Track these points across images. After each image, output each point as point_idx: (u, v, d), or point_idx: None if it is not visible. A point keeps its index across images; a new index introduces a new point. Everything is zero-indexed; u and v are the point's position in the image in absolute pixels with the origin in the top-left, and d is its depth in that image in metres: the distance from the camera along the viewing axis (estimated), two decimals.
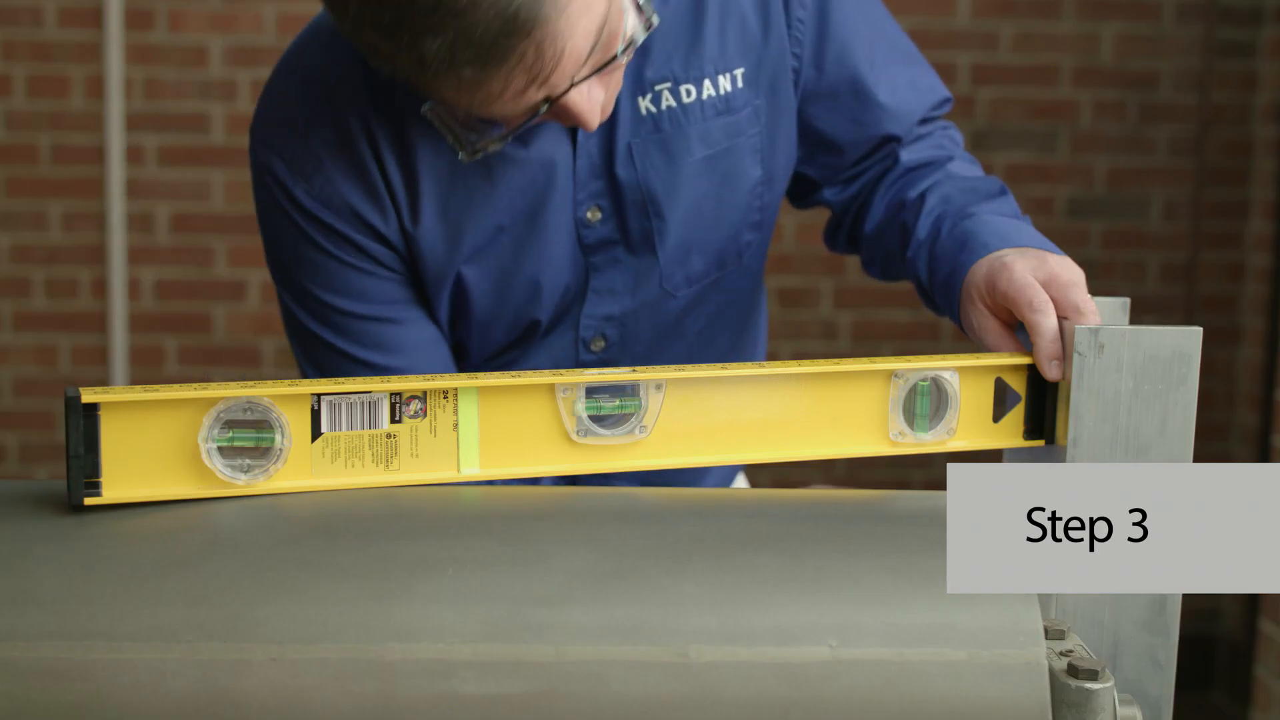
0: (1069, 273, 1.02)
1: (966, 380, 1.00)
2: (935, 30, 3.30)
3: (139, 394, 0.86)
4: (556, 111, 1.06)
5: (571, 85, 1.03)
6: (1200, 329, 0.90)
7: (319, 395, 0.90)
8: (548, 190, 1.20)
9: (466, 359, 1.28)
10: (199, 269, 3.33)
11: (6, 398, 3.34)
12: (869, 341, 3.36)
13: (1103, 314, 1.03)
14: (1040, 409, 1.00)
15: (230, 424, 0.88)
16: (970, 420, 1.00)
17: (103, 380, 3.33)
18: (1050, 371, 0.97)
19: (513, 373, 0.95)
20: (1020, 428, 1.00)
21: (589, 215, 1.21)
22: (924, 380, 0.99)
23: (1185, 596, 0.91)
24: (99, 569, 0.78)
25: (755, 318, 1.41)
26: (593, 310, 1.25)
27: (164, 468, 0.87)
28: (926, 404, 1.00)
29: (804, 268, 3.34)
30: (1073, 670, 0.76)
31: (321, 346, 1.23)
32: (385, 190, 1.18)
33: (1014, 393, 1.01)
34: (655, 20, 1.07)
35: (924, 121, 1.30)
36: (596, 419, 0.95)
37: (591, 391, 0.95)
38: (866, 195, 1.30)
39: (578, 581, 0.77)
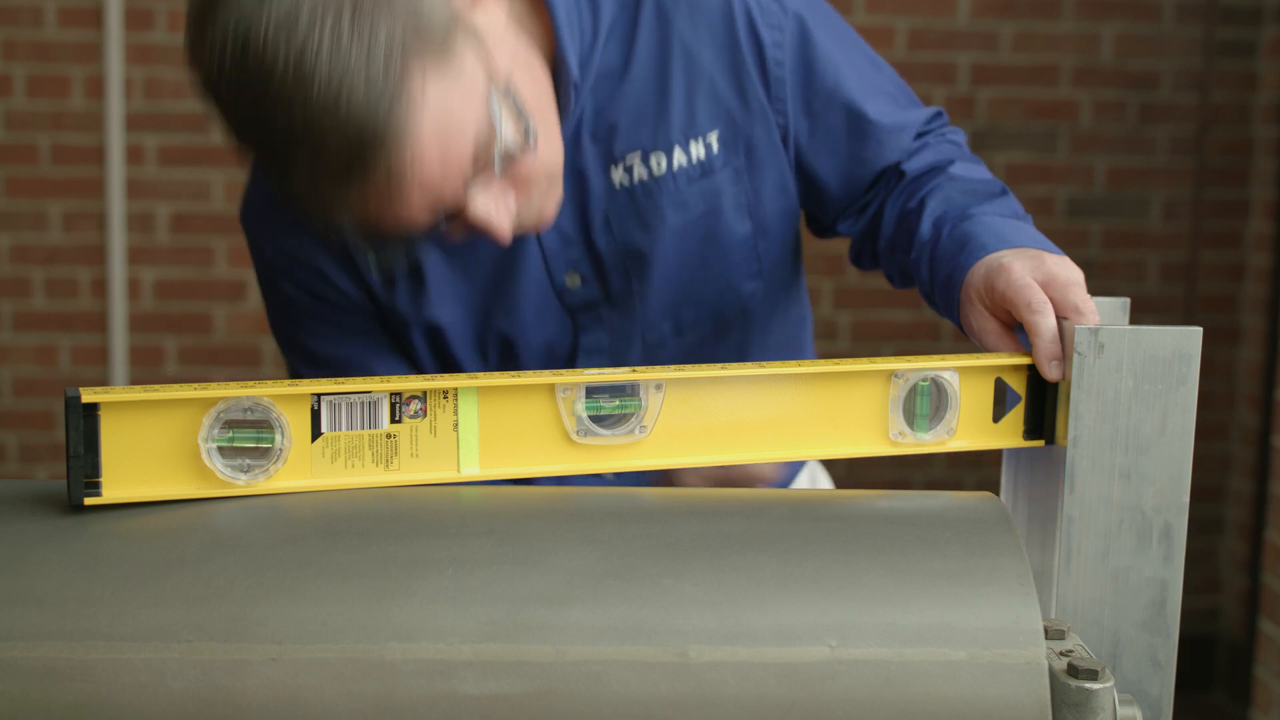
0: (1067, 272, 1.02)
1: (966, 380, 1.00)
2: (935, 30, 3.30)
3: (139, 394, 0.86)
4: (466, 222, 1.07)
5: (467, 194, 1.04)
6: (1200, 329, 0.90)
7: (319, 395, 0.90)
8: (514, 259, 1.23)
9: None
10: (199, 269, 3.32)
11: (6, 398, 3.34)
12: (869, 341, 3.36)
13: (1103, 314, 1.03)
14: (1040, 409, 1.00)
15: (230, 424, 0.88)
16: (970, 420, 1.00)
17: (103, 380, 3.33)
18: (1050, 372, 0.97)
19: (512, 373, 0.95)
20: (1020, 428, 1.00)
21: (568, 281, 1.24)
22: (924, 380, 0.99)
23: (1185, 596, 0.91)
24: (99, 569, 0.78)
25: (801, 342, 1.42)
26: (588, 358, 1.28)
27: (164, 468, 0.87)
28: (926, 404, 1.00)
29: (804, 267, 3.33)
30: (1073, 670, 0.76)
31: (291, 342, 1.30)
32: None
33: (1014, 393, 1.01)
34: (533, 126, 1.06)
35: (919, 135, 1.30)
36: (596, 419, 0.95)
37: (591, 392, 0.95)
38: (878, 215, 1.30)
39: (578, 581, 0.77)
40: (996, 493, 1.02)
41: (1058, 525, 0.91)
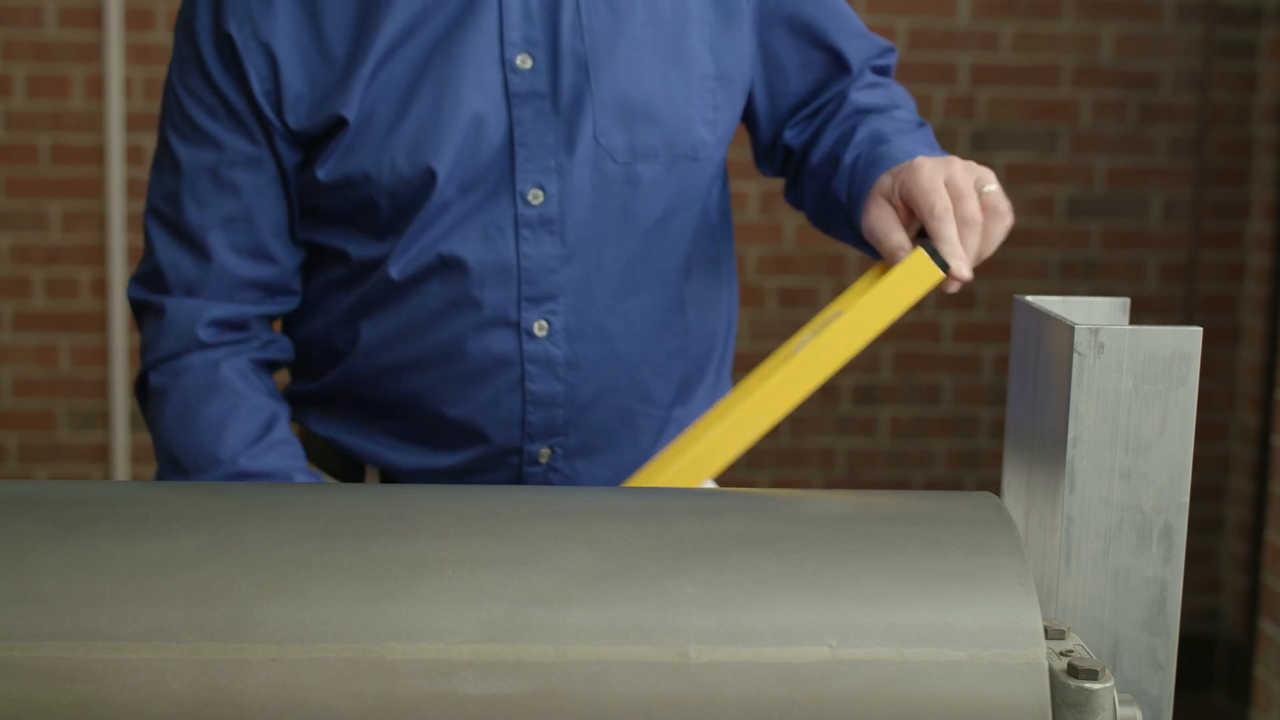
0: (967, 181, 1.11)
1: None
2: (935, 30, 3.30)
3: None
4: None
5: None
6: (1200, 329, 0.90)
7: None
8: (470, 10, 1.20)
9: (377, 227, 1.25)
10: None
11: (6, 398, 3.34)
12: None
13: (1103, 314, 1.03)
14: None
15: None
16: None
17: (103, 380, 3.34)
18: (956, 268, 1.08)
19: None
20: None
21: (519, 61, 1.21)
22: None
23: (1185, 596, 0.91)
24: (99, 569, 0.78)
25: (718, 264, 1.38)
26: (526, 163, 1.23)
27: None
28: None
29: (804, 268, 3.34)
30: (1073, 670, 0.76)
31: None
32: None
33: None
34: None
35: (878, 71, 1.37)
36: None
37: None
38: (819, 131, 1.33)
39: (578, 581, 0.77)
40: (997, 493, 1.03)
41: (1058, 525, 0.91)
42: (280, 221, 1.24)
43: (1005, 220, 1.14)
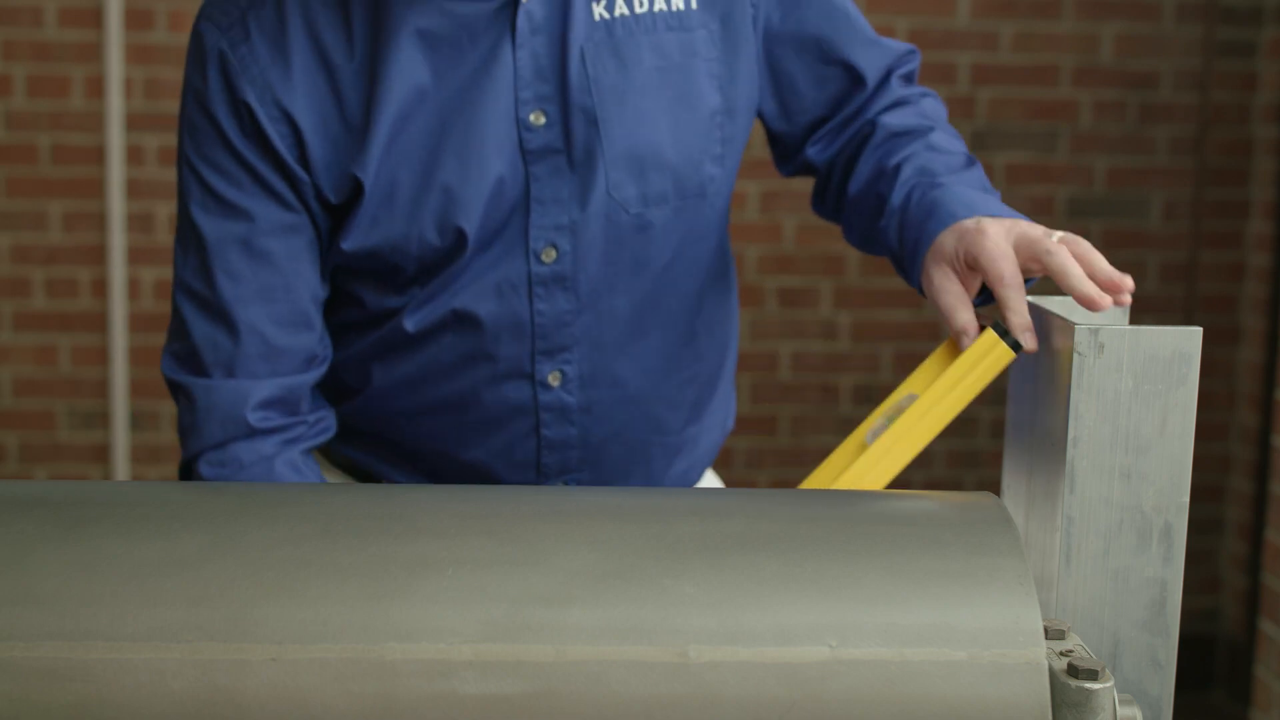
0: (1035, 229, 1.09)
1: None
2: (935, 30, 3.30)
3: None
4: None
5: None
6: (1200, 329, 0.90)
7: None
8: (484, 71, 1.19)
9: (397, 280, 1.23)
10: None
11: (6, 398, 3.34)
12: (869, 341, 3.36)
13: (1102, 314, 1.04)
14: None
15: None
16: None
17: (102, 380, 3.34)
18: (1027, 343, 1.04)
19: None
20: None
21: (532, 118, 1.20)
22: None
23: (1185, 596, 0.91)
24: (99, 569, 0.78)
25: (726, 282, 1.38)
26: (540, 220, 1.22)
27: None
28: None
29: (804, 268, 3.33)
30: (1073, 670, 0.76)
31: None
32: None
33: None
34: None
35: (905, 79, 1.35)
36: None
37: None
38: (852, 154, 1.31)
39: (578, 581, 0.77)
40: (997, 493, 1.02)
41: (1058, 525, 0.91)
42: (316, 285, 1.22)
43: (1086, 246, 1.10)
